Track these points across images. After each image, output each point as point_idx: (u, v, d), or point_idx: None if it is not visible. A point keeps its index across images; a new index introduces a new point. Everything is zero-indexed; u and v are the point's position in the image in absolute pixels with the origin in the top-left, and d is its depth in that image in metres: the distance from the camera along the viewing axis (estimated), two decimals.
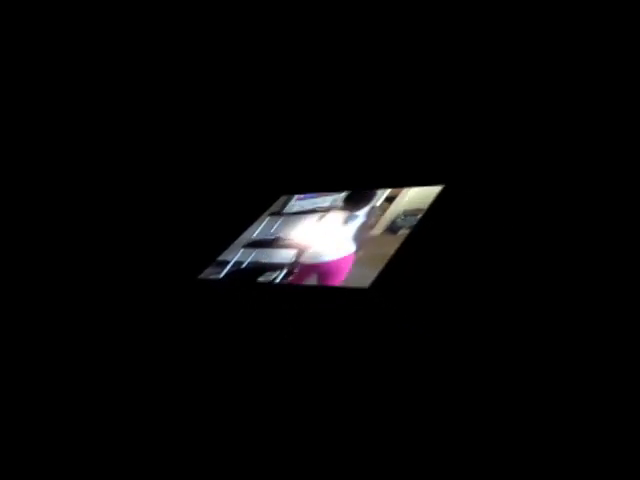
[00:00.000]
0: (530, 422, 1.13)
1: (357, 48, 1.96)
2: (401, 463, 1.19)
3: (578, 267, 1.43)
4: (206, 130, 2.25)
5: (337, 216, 1.79)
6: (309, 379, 1.55)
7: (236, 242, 1.90)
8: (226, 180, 2.16)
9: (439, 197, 1.65)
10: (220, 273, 1.81)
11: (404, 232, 1.58)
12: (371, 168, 1.92)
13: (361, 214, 1.73)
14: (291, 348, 1.65)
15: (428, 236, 1.57)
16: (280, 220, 1.91)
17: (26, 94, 2.18)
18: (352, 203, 1.81)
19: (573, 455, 1.05)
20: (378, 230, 1.64)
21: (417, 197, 1.69)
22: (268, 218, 1.95)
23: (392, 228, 1.62)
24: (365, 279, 1.48)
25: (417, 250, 1.55)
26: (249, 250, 1.85)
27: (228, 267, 1.81)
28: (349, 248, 1.62)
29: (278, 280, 1.65)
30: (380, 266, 1.49)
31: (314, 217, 1.84)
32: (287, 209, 1.95)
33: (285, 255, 1.74)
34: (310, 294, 1.56)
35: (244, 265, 1.79)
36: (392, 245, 1.55)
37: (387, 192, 1.76)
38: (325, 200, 1.89)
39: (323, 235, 1.75)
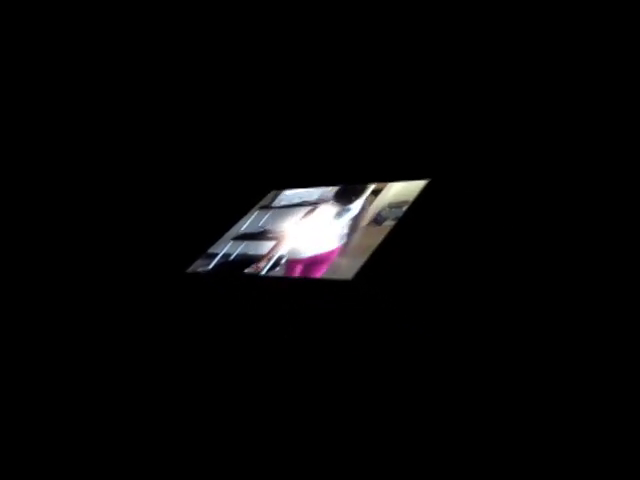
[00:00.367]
0: (527, 418, 1.13)
1: (345, 47, 1.98)
2: (394, 461, 1.20)
3: (563, 258, 1.44)
4: (199, 126, 2.26)
5: (324, 209, 1.81)
6: (296, 370, 1.56)
7: (226, 235, 1.93)
8: (219, 176, 2.18)
9: (425, 190, 1.66)
10: (209, 265, 1.82)
11: (389, 224, 1.60)
12: (359, 163, 1.93)
13: (348, 208, 1.75)
14: (279, 340, 1.66)
15: (413, 228, 1.59)
16: (269, 213, 1.93)
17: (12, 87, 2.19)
18: (339, 197, 1.83)
19: (573, 455, 1.05)
20: (363, 222, 1.66)
21: (403, 190, 1.71)
22: (258, 211, 1.97)
23: (377, 220, 1.64)
24: (349, 271, 1.49)
25: (402, 241, 1.56)
26: (238, 242, 1.86)
27: (217, 259, 1.83)
28: (334, 240, 1.63)
29: (264, 272, 1.67)
30: (364, 258, 1.51)
31: (302, 211, 1.86)
32: (276, 203, 1.97)
33: (272, 247, 1.76)
34: (295, 286, 1.58)
35: (232, 257, 1.81)
36: (377, 236, 1.56)
37: (373, 186, 1.78)
38: (313, 194, 1.91)
39: (309, 228, 1.76)
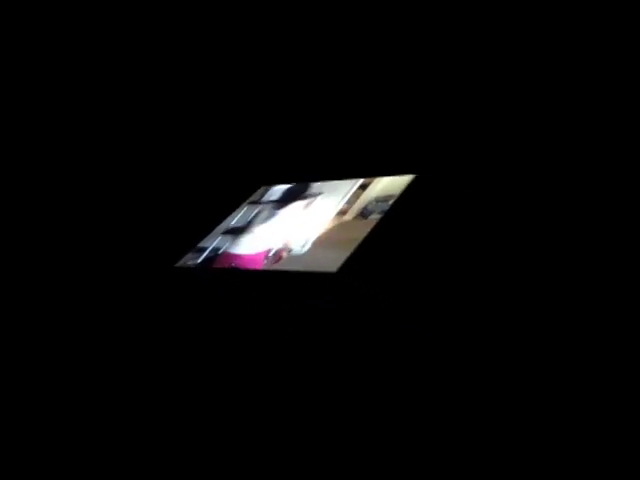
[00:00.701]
0: (525, 416, 1.13)
1: (335, 44, 1.99)
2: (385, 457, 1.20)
3: (550, 250, 1.45)
4: (190, 122, 2.28)
5: (313, 204, 1.82)
6: (282, 361, 1.57)
7: (216, 229, 1.94)
8: (209, 172, 2.19)
9: (411, 185, 1.67)
10: (197, 259, 1.84)
11: (375, 217, 1.61)
12: (348, 159, 1.94)
13: (335, 202, 1.76)
14: (272, 336, 1.67)
15: (399, 221, 1.60)
16: (258, 208, 1.94)
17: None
18: (326, 192, 1.83)
19: (573, 455, 1.04)
20: (350, 216, 1.67)
21: (390, 185, 1.71)
22: (247, 206, 1.98)
23: (364, 213, 1.65)
24: (334, 263, 1.50)
25: (387, 235, 1.57)
26: (227, 237, 1.88)
27: (205, 253, 1.85)
28: (317, 235, 1.64)
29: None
30: (349, 250, 1.52)
31: (291, 205, 1.87)
32: (266, 198, 1.99)
33: (260, 241, 1.77)
34: (279, 278, 1.59)
35: (220, 251, 1.82)
36: (362, 230, 1.57)
37: (361, 181, 1.79)
38: (302, 189, 1.92)
39: (297, 222, 1.77)
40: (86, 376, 1.73)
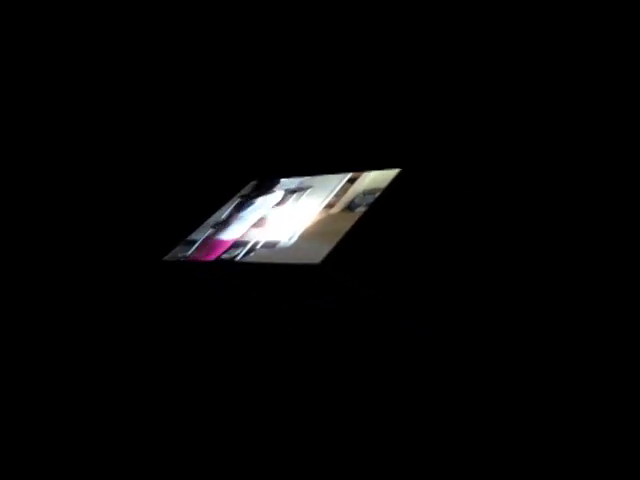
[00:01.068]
0: (523, 415, 1.13)
1: (325, 42, 1.99)
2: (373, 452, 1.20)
3: (534, 244, 1.44)
4: (183, 117, 2.28)
5: (301, 197, 1.82)
6: (274, 355, 1.57)
7: (205, 223, 1.95)
8: (203, 168, 2.20)
9: (397, 178, 1.67)
10: (187, 251, 1.84)
11: (361, 210, 1.61)
12: (339, 153, 1.95)
13: (322, 196, 1.76)
14: (256, 325, 1.67)
15: (384, 213, 1.60)
16: (248, 202, 1.95)
17: None
18: (315, 186, 1.84)
19: (573, 455, 1.04)
20: (337, 209, 1.67)
21: (377, 178, 1.71)
22: (237, 200, 1.98)
23: (350, 206, 1.65)
24: (318, 255, 1.50)
25: (372, 227, 1.57)
26: (216, 230, 1.88)
27: (194, 246, 1.85)
28: (304, 227, 1.65)
29: (239, 258, 1.68)
30: (334, 242, 1.52)
31: (280, 199, 1.88)
32: (256, 192, 1.99)
33: (249, 234, 1.77)
34: (264, 270, 1.59)
35: (209, 244, 1.83)
36: (348, 222, 1.57)
37: (349, 175, 1.79)
38: (292, 183, 1.92)
39: (285, 215, 1.78)
40: (75, 371, 1.73)
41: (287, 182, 1.95)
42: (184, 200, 2.06)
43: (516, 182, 1.53)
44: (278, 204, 1.85)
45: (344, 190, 1.74)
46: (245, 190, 2.02)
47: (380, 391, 1.32)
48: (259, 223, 1.80)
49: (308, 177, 1.91)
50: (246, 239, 1.75)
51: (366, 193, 1.67)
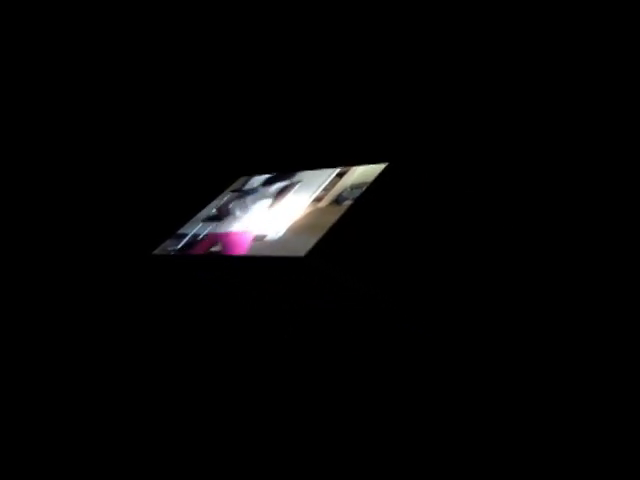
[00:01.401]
0: (524, 414, 1.12)
1: (313, 37, 2.00)
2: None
3: (521, 239, 1.44)
4: (175, 114, 2.29)
5: (290, 192, 1.83)
6: (251, 344, 1.57)
7: (195, 217, 1.95)
8: (193, 164, 2.21)
9: (385, 172, 1.67)
10: (176, 245, 1.85)
11: (348, 203, 1.61)
12: (328, 149, 1.95)
13: (311, 190, 1.77)
14: (251, 323, 1.67)
15: (370, 207, 1.60)
16: (238, 197, 1.95)
17: None
18: (304, 180, 1.84)
19: (573, 455, 1.04)
20: (325, 202, 1.67)
21: (365, 172, 1.72)
22: (227, 195, 1.99)
23: (338, 200, 1.65)
24: (303, 247, 1.50)
25: (359, 220, 1.57)
26: (206, 224, 1.89)
27: (184, 240, 1.86)
28: (292, 221, 1.65)
29: (225, 252, 1.69)
30: (319, 235, 1.52)
31: (270, 193, 1.88)
32: (246, 187, 2.00)
33: (238, 228, 1.78)
34: (250, 263, 1.59)
35: (199, 238, 1.83)
36: (334, 215, 1.57)
37: (338, 169, 1.80)
38: (282, 178, 1.93)
39: (273, 210, 1.78)
40: (66, 365, 1.74)
41: (276, 178, 1.96)
42: (175, 195, 2.07)
43: (504, 175, 1.53)
44: (267, 199, 1.86)
45: (332, 184, 1.74)
46: (235, 185, 2.03)
47: (380, 391, 1.32)
48: (248, 217, 1.81)
49: (297, 172, 1.91)
50: (235, 233, 1.76)
51: (353, 187, 1.67)
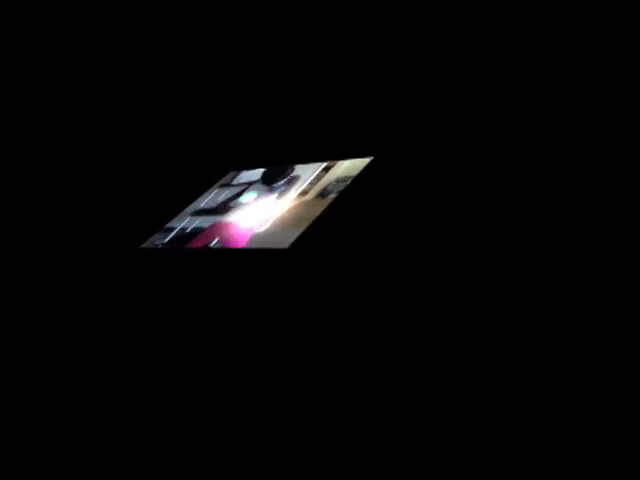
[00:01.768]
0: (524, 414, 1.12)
1: (300, 30, 2.01)
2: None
3: (499, 235, 1.45)
4: (165, 109, 2.30)
5: (277, 186, 1.84)
6: (236, 336, 1.58)
7: (184, 211, 1.97)
8: (182, 160, 2.22)
9: (370, 165, 1.69)
10: (164, 239, 1.86)
11: (333, 196, 1.62)
12: (316, 144, 1.97)
13: (297, 184, 1.78)
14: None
15: (355, 200, 1.61)
16: (227, 191, 1.97)
17: None
18: (291, 175, 1.86)
19: (573, 455, 1.04)
20: (310, 196, 1.69)
21: (351, 166, 1.73)
22: (216, 190, 2.01)
23: (323, 193, 1.67)
24: (287, 240, 1.52)
25: (343, 213, 1.58)
26: (194, 218, 1.90)
27: (172, 234, 1.87)
28: (277, 214, 1.67)
29: (213, 244, 1.70)
30: (303, 228, 1.53)
31: (258, 188, 1.90)
32: (235, 181, 2.01)
33: (225, 222, 1.79)
34: (233, 256, 1.61)
35: (187, 231, 1.85)
36: (318, 208, 1.59)
37: (325, 164, 1.81)
38: (271, 172, 1.95)
39: (260, 204, 1.80)
40: (54, 360, 1.75)
41: (264, 171, 1.97)
42: (164, 189, 2.08)
43: (490, 168, 1.54)
44: (255, 193, 1.87)
45: (318, 178, 1.76)
46: (224, 180, 2.04)
47: (379, 390, 1.32)
48: (235, 211, 1.82)
49: (285, 166, 1.93)
50: (222, 227, 1.77)
51: (339, 180, 1.69)
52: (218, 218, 1.84)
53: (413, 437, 1.18)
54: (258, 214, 1.74)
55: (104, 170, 2.18)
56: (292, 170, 1.90)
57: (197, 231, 1.82)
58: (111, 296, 1.88)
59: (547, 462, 1.04)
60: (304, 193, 1.72)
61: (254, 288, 1.74)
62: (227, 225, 1.76)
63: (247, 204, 1.83)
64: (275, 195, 1.80)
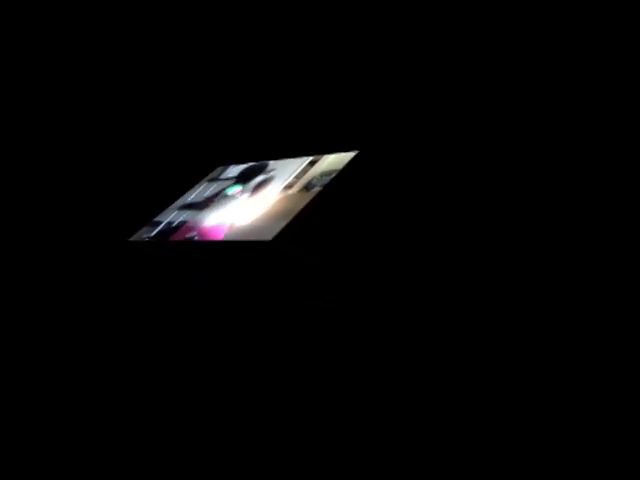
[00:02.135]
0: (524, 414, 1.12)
1: (287, 26, 2.02)
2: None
3: (494, 232, 1.47)
4: (153, 106, 2.31)
5: (265, 180, 1.86)
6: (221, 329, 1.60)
7: (172, 205, 1.99)
8: (173, 155, 2.24)
9: (355, 159, 1.70)
10: (152, 232, 1.88)
11: (317, 189, 1.64)
12: (303, 138, 1.98)
13: (283, 178, 1.80)
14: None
15: (340, 193, 1.63)
16: (215, 185, 1.99)
17: None
18: (276, 169, 1.87)
19: (573, 455, 1.03)
20: (295, 189, 1.71)
21: (336, 160, 1.75)
22: (204, 184, 2.02)
23: (307, 187, 1.68)
24: (270, 232, 1.53)
25: (327, 206, 1.60)
26: (182, 212, 1.92)
27: (159, 227, 1.89)
28: (263, 207, 1.69)
29: (197, 238, 1.72)
30: (286, 220, 1.55)
31: (245, 182, 1.91)
32: (223, 176, 2.03)
33: (212, 215, 1.81)
34: (218, 248, 1.63)
35: (174, 225, 1.86)
36: (303, 201, 1.61)
37: (311, 158, 1.83)
38: (258, 167, 1.96)
39: (247, 198, 1.82)
40: (42, 354, 1.76)
41: (252, 167, 1.99)
42: (153, 184, 2.10)
43: (476, 162, 1.56)
44: (242, 187, 1.89)
45: (304, 172, 1.78)
46: (212, 175, 2.06)
47: (379, 390, 1.32)
48: (222, 205, 1.84)
49: (272, 161, 1.95)
50: (209, 221, 1.79)
51: (323, 174, 1.70)
52: (204, 212, 1.86)
53: (413, 437, 1.18)
54: (243, 207, 1.76)
55: (96, 166, 2.20)
56: (278, 164, 1.92)
57: (184, 224, 1.84)
58: (100, 288, 1.90)
59: (547, 462, 1.04)
60: (289, 187, 1.74)
61: (253, 287, 1.76)
62: (213, 218, 1.78)
63: (233, 198, 1.85)
64: (260, 189, 1.82)
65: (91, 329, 1.80)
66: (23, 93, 2.21)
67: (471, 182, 1.50)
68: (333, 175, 1.67)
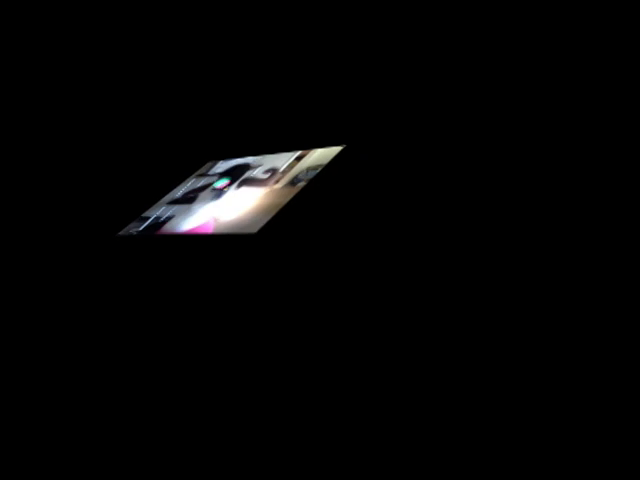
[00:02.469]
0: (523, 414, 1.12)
1: (274, 22, 2.04)
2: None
3: (466, 226, 1.47)
4: (143, 102, 2.33)
5: (252, 175, 1.88)
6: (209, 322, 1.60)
7: (161, 200, 2.00)
8: (163, 150, 2.25)
9: (340, 155, 1.72)
10: (140, 227, 1.89)
11: (302, 184, 1.66)
12: (290, 134, 1.99)
13: (270, 173, 1.81)
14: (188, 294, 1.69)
15: (325, 188, 1.64)
16: (204, 180, 2.00)
17: None
18: (264, 164, 1.89)
19: (573, 455, 1.03)
20: (281, 184, 1.72)
21: (321, 155, 1.77)
22: (194, 179, 2.04)
23: (293, 182, 1.70)
24: (256, 226, 1.55)
25: (312, 200, 1.62)
26: (171, 207, 1.93)
27: (148, 222, 1.90)
28: (250, 202, 1.70)
29: (184, 231, 1.73)
30: (271, 214, 1.57)
31: (234, 177, 1.93)
32: (212, 171, 2.04)
33: (200, 211, 1.82)
34: (204, 242, 1.64)
35: (162, 219, 1.88)
36: (288, 196, 1.63)
37: (298, 153, 1.85)
38: (246, 162, 1.98)
39: (235, 192, 1.83)
40: (31, 350, 1.76)
41: (240, 161, 2.00)
42: (142, 179, 2.11)
43: (463, 158, 1.56)
44: (230, 182, 1.91)
45: (290, 167, 1.79)
46: (201, 170, 2.07)
47: (379, 390, 1.32)
48: (211, 200, 1.85)
49: (260, 157, 1.96)
50: (197, 215, 1.80)
51: (309, 169, 1.72)
52: (192, 207, 1.87)
53: (413, 437, 1.18)
54: (229, 202, 1.78)
55: (85, 162, 2.21)
56: (265, 159, 1.93)
57: (171, 219, 1.85)
58: (88, 282, 1.91)
59: (547, 462, 1.04)
60: (275, 182, 1.76)
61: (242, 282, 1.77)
62: (200, 213, 1.80)
63: (221, 192, 1.87)
64: (247, 184, 1.83)
65: (79, 323, 1.81)
66: (11, 89, 2.23)
67: (460, 176, 1.51)
68: (319, 170, 1.69)
